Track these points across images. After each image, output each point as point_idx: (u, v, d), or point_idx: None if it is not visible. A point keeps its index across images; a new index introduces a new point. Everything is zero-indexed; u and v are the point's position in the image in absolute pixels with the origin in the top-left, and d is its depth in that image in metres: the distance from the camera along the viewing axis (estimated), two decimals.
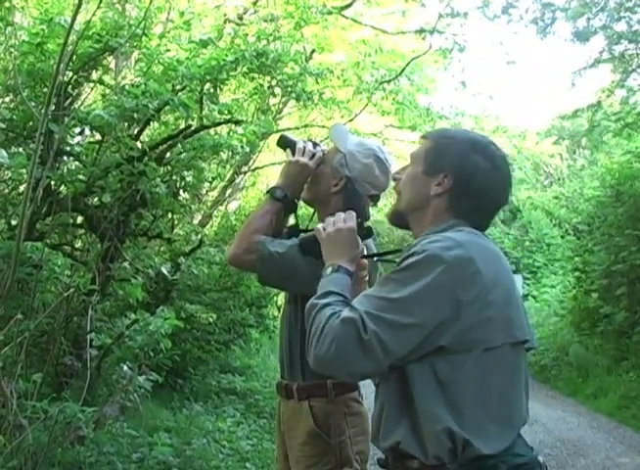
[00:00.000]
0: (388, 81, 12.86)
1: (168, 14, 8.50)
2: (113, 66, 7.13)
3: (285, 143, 3.18)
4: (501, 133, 18.37)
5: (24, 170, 5.47)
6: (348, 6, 12.22)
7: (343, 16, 12.14)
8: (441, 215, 2.15)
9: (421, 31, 12.96)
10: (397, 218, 2.32)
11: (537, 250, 22.53)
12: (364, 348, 1.88)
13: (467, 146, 2.18)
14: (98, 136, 6.27)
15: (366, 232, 2.39)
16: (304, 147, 3.06)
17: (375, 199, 3.11)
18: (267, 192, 3.11)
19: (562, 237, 21.38)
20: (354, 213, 2.36)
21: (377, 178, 3.02)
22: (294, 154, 3.06)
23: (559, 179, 29.50)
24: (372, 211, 3.15)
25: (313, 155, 3.05)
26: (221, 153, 6.74)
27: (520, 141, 20.05)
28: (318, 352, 1.95)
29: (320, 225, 2.37)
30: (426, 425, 1.92)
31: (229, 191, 12.00)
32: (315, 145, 3.13)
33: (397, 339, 1.90)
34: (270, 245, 2.86)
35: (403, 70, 12.69)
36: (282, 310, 3.24)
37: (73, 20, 4.32)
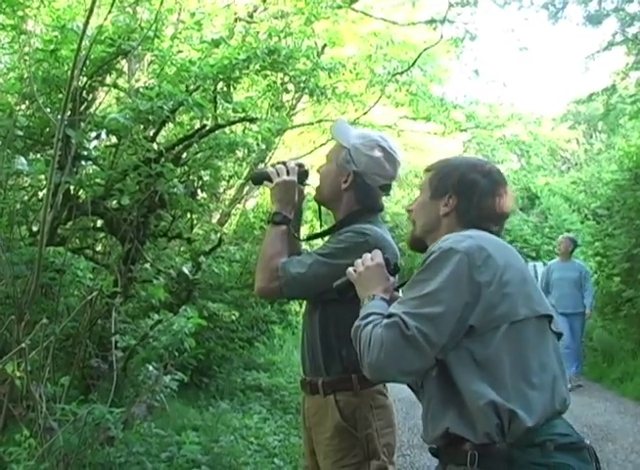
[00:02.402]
0: (401, 73, 12.87)
1: (179, 14, 8.51)
2: (125, 69, 7.16)
3: (258, 178, 3.30)
4: (516, 120, 18.34)
5: (43, 176, 5.53)
6: None
7: (353, 9, 12.14)
8: (453, 231, 2.33)
9: (432, 22, 12.96)
10: (417, 243, 2.53)
11: (557, 236, 22.41)
12: (410, 343, 2.04)
13: (464, 168, 2.44)
14: (114, 139, 6.31)
15: (394, 268, 2.51)
16: (276, 170, 3.14)
17: (386, 189, 3.12)
18: (268, 222, 3.18)
19: (581, 222, 21.22)
20: (380, 252, 2.51)
21: (384, 168, 3.05)
22: (271, 181, 3.13)
23: (576, 164, 29.41)
24: (392, 203, 3.17)
25: (287, 170, 3.12)
26: (237, 151, 6.77)
27: (535, 127, 20.00)
28: (370, 360, 2.10)
29: (350, 269, 2.50)
30: (471, 403, 2.05)
31: (246, 189, 12.02)
32: (284, 163, 3.19)
33: (437, 328, 2.05)
34: (291, 267, 2.94)
35: (415, 60, 12.68)
36: (304, 309, 3.27)
37: (86, 25, 4.36)
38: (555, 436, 2.05)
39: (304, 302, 3.28)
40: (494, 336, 2.08)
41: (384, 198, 3.18)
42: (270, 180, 3.13)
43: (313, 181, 3.27)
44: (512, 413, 2.01)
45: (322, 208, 3.33)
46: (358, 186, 3.03)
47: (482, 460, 2.03)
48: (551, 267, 11.16)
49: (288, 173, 3.11)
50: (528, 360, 2.11)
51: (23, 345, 4.11)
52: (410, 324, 2.04)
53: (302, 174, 3.17)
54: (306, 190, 3.34)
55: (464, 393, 2.06)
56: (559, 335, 2.29)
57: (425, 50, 12.79)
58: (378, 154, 3.03)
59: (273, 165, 3.20)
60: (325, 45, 12.01)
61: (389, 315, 2.12)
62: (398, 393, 3.32)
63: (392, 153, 3.06)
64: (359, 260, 2.50)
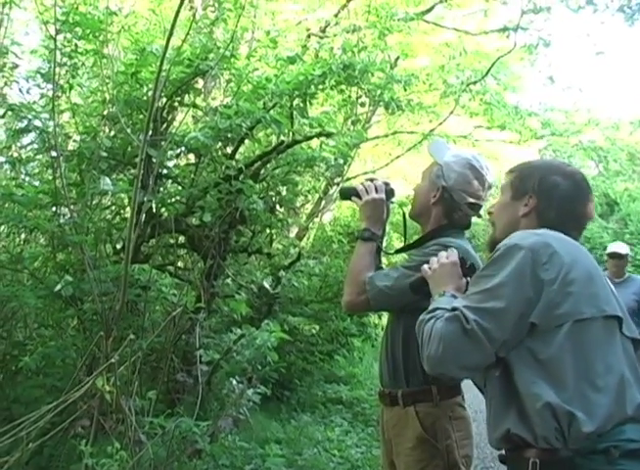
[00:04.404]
0: (475, 82, 12.80)
1: (253, 33, 8.65)
2: (201, 87, 7.29)
3: (346, 194, 3.39)
4: (593, 126, 18.05)
5: (125, 195, 5.67)
6: (429, 10, 12.22)
7: (425, 20, 12.15)
8: None
9: (504, 30, 12.87)
10: (495, 247, 2.41)
11: (639, 242, 21.96)
12: (469, 338, 2.07)
13: (546, 169, 2.47)
14: (193, 157, 6.43)
15: (469, 269, 2.54)
16: (365, 187, 3.26)
17: (476, 208, 3.16)
18: (357, 237, 3.28)
19: None
20: (456, 251, 2.59)
21: (472, 186, 3.10)
22: (360, 198, 3.25)
23: None
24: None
25: (375, 188, 3.24)
26: (315, 166, 6.83)
27: (613, 132, 19.65)
28: (429, 353, 2.14)
29: (425, 266, 2.58)
30: (530, 406, 2.02)
31: (323, 203, 12.08)
32: (371, 180, 3.31)
33: (497, 323, 2.07)
34: (377, 280, 3.02)
35: (489, 70, 12.59)
36: (387, 320, 3.34)
37: (166, 48, 4.46)
38: (622, 442, 1.94)
39: (384, 314, 3.35)
40: (557, 334, 2.05)
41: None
42: (359, 197, 3.25)
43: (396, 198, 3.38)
44: (571, 416, 1.95)
45: (407, 222, 3.44)
46: (446, 201, 3.11)
47: (545, 468, 1.99)
48: None
49: (376, 191, 3.21)
50: (593, 361, 2.04)
51: (113, 360, 4.21)
52: (470, 318, 2.07)
53: (389, 192, 3.28)
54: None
55: (522, 394, 2.05)
56: (635, 341, 2.20)
57: (498, 59, 12.68)
58: (467, 171, 3.09)
59: (362, 183, 3.30)
60: (398, 57, 12.04)
61: (452, 309, 2.15)
62: (480, 404, 3.32)
63: (483, 172, 3.12)
64: (434, 258, 2.56)
